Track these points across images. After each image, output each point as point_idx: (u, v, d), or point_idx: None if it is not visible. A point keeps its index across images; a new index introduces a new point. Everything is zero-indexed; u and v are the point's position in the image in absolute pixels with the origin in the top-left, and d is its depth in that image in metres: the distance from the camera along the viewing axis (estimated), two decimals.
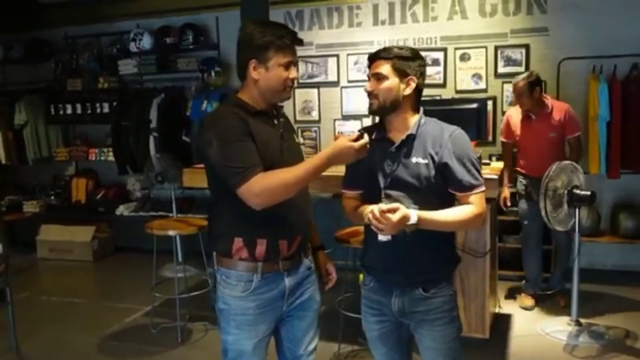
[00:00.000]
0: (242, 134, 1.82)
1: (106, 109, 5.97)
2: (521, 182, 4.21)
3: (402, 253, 1.92)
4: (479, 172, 1.93)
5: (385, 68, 1.92)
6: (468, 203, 1.90)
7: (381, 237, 1.89)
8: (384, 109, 1.94)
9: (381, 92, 1.91)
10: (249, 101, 1.92)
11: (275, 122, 1.98)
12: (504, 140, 4.34)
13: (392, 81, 1.91)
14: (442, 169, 1.89)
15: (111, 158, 5.94)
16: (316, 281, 2.12)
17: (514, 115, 4.24)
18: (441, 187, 1.91)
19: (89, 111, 6.04)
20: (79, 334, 3.98)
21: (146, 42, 5.66)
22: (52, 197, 6.38)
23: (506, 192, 4.30)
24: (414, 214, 1.79)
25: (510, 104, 4.68)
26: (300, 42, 1.97)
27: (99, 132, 6.23)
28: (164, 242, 4.07)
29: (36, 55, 6.22)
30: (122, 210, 5.97)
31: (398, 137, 1.95)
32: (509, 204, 4.32)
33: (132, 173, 5.93)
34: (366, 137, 1.84)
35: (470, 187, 1.89)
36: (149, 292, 4.08)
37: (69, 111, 6.10)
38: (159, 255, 4.02)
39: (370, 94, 1.94)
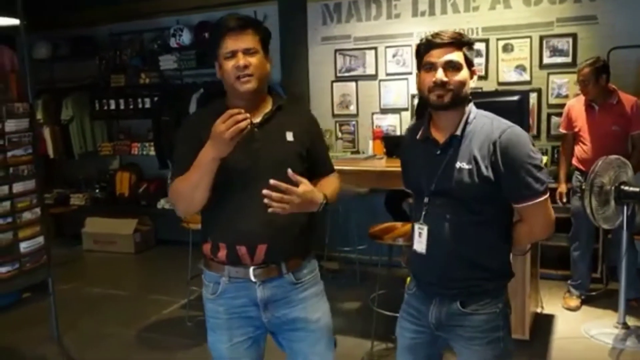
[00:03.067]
0: (184, 139, 1.82)
1: (148, 104, 6.06)
2: (577, 178, 4.00)
3: (440, 262, 1.76)
4: (536, 178, 1.66)
5: (458, 56, 1.68)
6: (526, 215, 1.73)
7: (416, 247, 1.80)
8: (454, 104, 1.69)
9: (457, 84, 1.66)
10: (227, 100, 1.84)
11: (255, 121, 1.77)
12: (563, 131, 4.12)
13: (466, 72, 1.69)
14: (490, 177, 1.66)
15: (153, 152, 6.04)
16: (312, 300, 1.90)
17: (576, 105, 4.00)
18: (489, 196, 1.69)
19: (132, 106, 6.15)
20: (118, 326, 4.06)
21: (186, 37, 5.72)
22: (97, 191, 6.55)
23: (563, 187, 4.10)
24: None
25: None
26: (231, 28, 1.74)
27: (142, 127, 6.35)
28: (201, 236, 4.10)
29: (81, 53, 6.38)
30: (163, 203, 6.07)
31: (444, 137, 1.74)
32: (564, 199, 4.10)
33: None
34: (232, 111, 1.58)
35: (526, 198, 1.67)
36: (186, 285, 4.13)
37: (113, 106, 6.23)
38: (196, 248, 4.05)
39: (443, 85, 1.66)
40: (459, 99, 1.69)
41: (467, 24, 4.93)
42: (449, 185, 1.70)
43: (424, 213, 1.77)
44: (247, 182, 1.76)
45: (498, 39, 4.84)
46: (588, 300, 4.08)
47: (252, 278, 1.80)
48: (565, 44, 4.66)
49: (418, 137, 1.82)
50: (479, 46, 4.89)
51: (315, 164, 1.89)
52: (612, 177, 3.43)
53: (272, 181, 1.62)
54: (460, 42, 1.69)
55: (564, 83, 4.69)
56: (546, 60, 4.73)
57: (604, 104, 3.85)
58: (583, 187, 3.80)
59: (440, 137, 1.76)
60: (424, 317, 1.83)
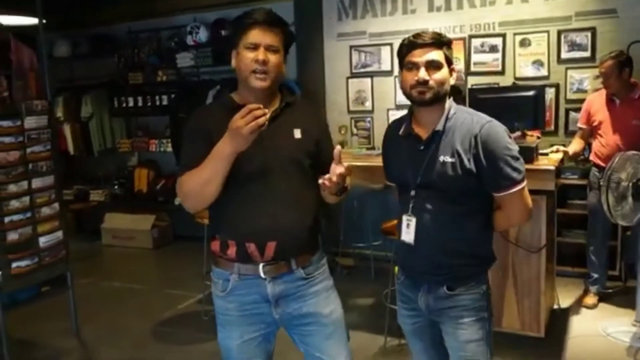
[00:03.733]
0: (193, 133, 1.79)
1: (165, 101, 6.14)
2: (594, 174, 3.94)
3: (427, 252, 1.85)
4: (514, 168, 1.77)
5: (439, 55, 1.77)
6: (505, 203, 1.83)
7: (404, 238, 1.87)
8: (435, 100, 1.78)
9: (437, 82, 1.76)
10: (236, 96, 1.82)
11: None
12: (581, 126, 4.06)
13: (446, 70, 1.78)
14: (473, 169, 1.76)
15: (170, 149, 6.09)
16: (324, 294, 1.89)
17: (597, 100, 3.95)
18: (472, 187, 1.79)
19: (149, 103, 6.23)
20: (135, 319, 4.13)
21: (202, 35, 5.77)
22: (116, 187, 6.65)
23: (566, 150, 3.87)
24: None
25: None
26: (260, 21, 1.74)
27: (159, 124, 6.43)
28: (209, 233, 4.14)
29: (100, 51, 6.47)
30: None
31: (426, 132, 1.83)
32: (557, 149, 3.78)
33: None
34: (251, 106, 1.58)
35: (505, 187, 1.78)
36: (201, 279, 4.18)
37: (131, 104, 6.33)
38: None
39: (425, 84, 1.75)
40: (439, 95, 1.79)
41: (483, 18, 4.88)
42: (434, 178, 1.80)
43: (411, 205, 1.86)
44: (254, 178, 1.75)
45: (515, 34, 4.79)
46: (605, 297, 4.03)
47: (262, 275, 1.79)
48: (584, 38, 4.59)
49: (400, 133, 1.90)
50: (496, 41, 4.85)
51: (323, 161, 1.86)
52: (629, 173, 3.37)
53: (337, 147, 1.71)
54: (440, 42, 1.79)
55: (583, 78, 4.62)
56: (564, 55, 4.66)
57: (625, 98, 3.79)
58: (600, 183, 3.75)
59: (422, 132, 1.85)
60: (416, 304, 1.93)
